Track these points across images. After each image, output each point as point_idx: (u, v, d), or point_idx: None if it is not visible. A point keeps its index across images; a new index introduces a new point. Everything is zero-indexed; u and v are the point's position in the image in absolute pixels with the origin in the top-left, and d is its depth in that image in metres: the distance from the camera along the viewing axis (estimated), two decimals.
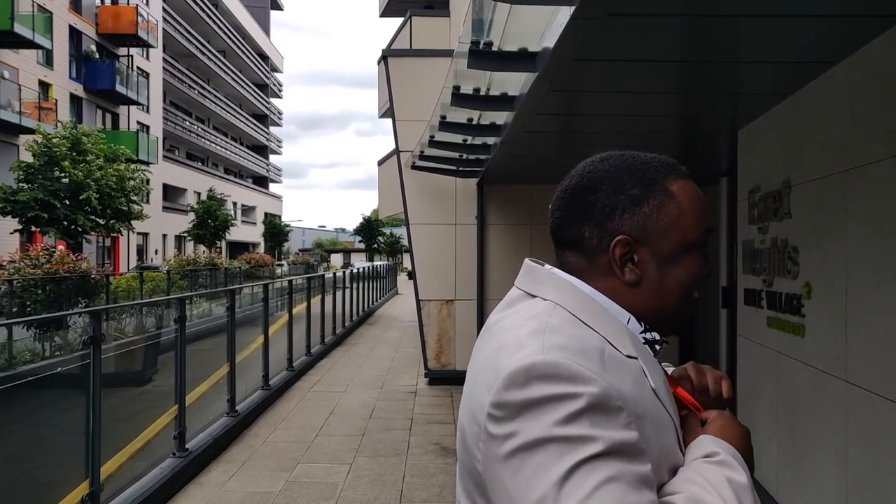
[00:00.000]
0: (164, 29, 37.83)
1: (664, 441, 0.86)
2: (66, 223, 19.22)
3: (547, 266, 0.99)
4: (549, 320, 0.88)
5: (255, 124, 56.88)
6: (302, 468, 5.62)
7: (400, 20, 14.32)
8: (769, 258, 4.53)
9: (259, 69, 56.92)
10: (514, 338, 0.88)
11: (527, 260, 1.02)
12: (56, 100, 26.92)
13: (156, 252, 36.64)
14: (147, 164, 30.88)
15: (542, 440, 0.77)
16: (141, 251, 35.44)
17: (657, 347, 0.97)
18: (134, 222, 22.71)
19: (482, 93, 4.65)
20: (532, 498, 0.76)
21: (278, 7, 64.43)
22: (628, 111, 4.75)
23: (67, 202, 19.13)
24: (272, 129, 63.60)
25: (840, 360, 3.53)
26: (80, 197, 18.86)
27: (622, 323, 0.93)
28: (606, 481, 0.75)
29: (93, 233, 21.04)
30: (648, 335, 0.96)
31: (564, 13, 2.84)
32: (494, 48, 3.67)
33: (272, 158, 64.18)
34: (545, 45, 3.43)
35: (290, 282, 10.24)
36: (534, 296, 0.95)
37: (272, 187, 63.80)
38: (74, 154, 19.08)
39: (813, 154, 3.88)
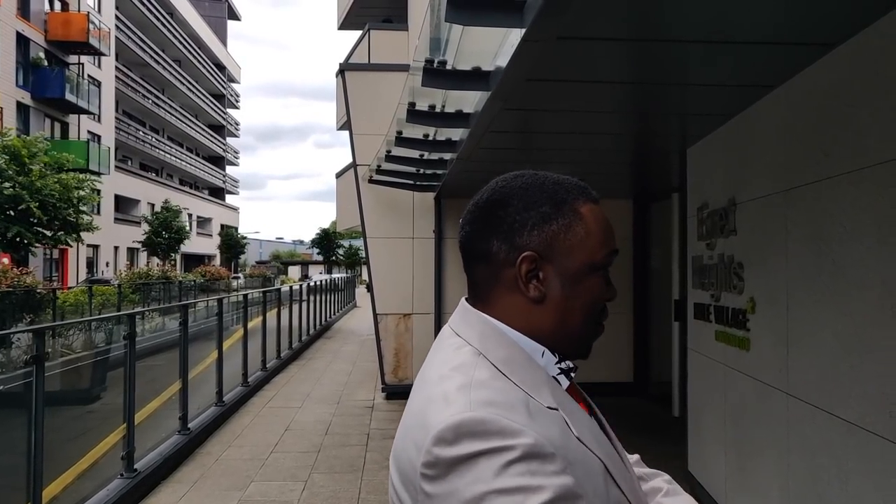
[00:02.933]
0: (116, 37, 37.04)
1: (595, 484, 0.87)
2: (9, 235, 18.58)
3: (475, 311, 0.99)
4: (475, 374, 0.89)
5: (211, 135, 56.02)
6: (256, 486, 5.52)
7: (358, 33, 14.33)
8: (716, 273, 4.66)
9: (215, 79, 56.15)
10: (442, 392, 0.88)
11: (462, 300, 1.03)
12: (1, 108, 26.08)
13: (107, 265, 35.68)
14: (98, 174, 30.09)
15: (486, 494, 0.77)
16: (91, 264, 34.44)
17: (572, 375, 0.98)
18: (83, 234, 22.09)
19: (437, 110, 4.69)
20: None
21: (235, 17, 63.76)
22: (581, 129, 4.85)
23: (12, 213, 18.50)
24: (229, 139, 62.71)
25: (782, 373, 3.65)
26: (19, 207, 18.22)
27: (544, 375, 0.94)
28: None
29: (38, 245, 20.36)
30: (563, 364, 0.97)
31: (516, 35, 2.90)
32: (449, 67, 3.71)
33: (229, 170, 63.23)
34: (498, 64, 3.49)
35: (245, 295, 10.08)
36: (461, 337, 0.96)
37: (229, 199, 62.84)
38: (14, 165, 18.44)
39: (756, 174, 4.02)
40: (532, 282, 0.94)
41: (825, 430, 3.18)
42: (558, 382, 0.96)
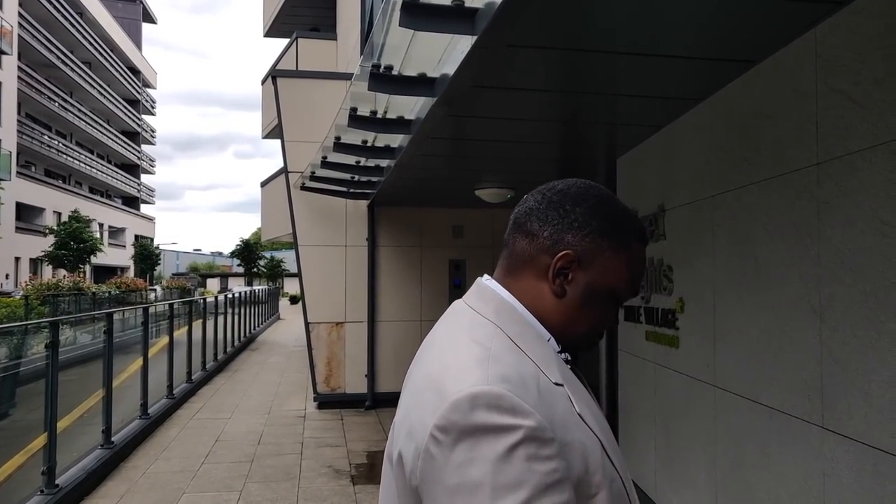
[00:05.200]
0: (20, 35, 35.09)
1: (593, 459, 0.95)
2: None
3: (492, 286, 1.07)
4: (493, 347, 0.96)
5: (124, 142, 53.72)
6: (188, 498, 5.37)
7: (285, 41, 14.20)
8: (647, 276, 4.91)
9: (129, 83, 53.98)
10: (459, 362, 0.94)
11: (479, 279, 1.10)
12: None
13: (6, 276, 33.54)
14: None
15: (477, 484, 0.84)
16: None
17: (568, 365, 1.07)
18: None
19: (379, 115, 4.75)
20: None
21: (151, 20, 61.61)
22: (516, 137, 5.00)
23: None
24: (144, 147, 60.31)
25: (709, 367, 3.89)
26: None
27: (551, 349, 1.02)
28: None
29: None
30: (562, 356, 1.06)
31: (466, 42, 3.01)
32: (395, 72, 3.79)
33: (144, 178, 60.77)
34: (444, 71, 3.59)
35: (170, 306, 9.76)
36: (476, 311, 1.03)
37: (144, 208, 60.35)
38: None
39: (684, 181, 4.28)
40: (560, 277, 1.03)
41: (749, 417, 3.43)
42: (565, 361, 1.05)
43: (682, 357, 4.30)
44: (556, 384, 0.97)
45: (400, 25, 2.89)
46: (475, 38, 2.85)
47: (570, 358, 1.09)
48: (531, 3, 2.54)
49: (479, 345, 0.96)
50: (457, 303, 1.10)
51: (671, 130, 4.40)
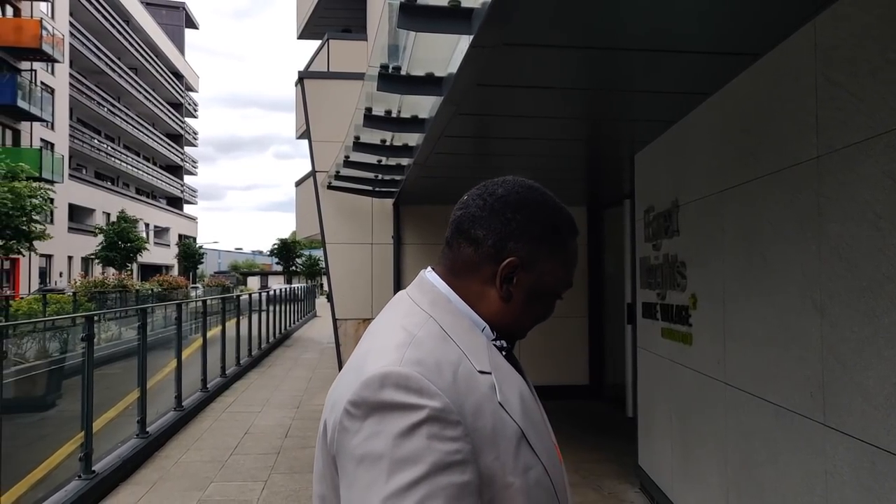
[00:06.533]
0: (71, 44, 36.34)
1: (503, 448, 0.99)
2: None
3: (432, 279, 1.13)
4: (418, 333, 1.02)
5: (168, 144, 55.17)
6: (215, 487, 5.54)
7: (318, 42, 14.41)
8: (662, 273, 4.88)
9: (173, 87, 55.40)
10: (382, 346, 1.02)
11: (423, 271, 1.17)
12: None
13: (60, 275, 34.80)
14: (51, 182, 29.43)
15: (378, 456, 0.90)
16: (44, 274, 33.57)
17: (503, 353, 1.13)
18: (36, 243, 21.57)
19: (394, 115, 4.83)
20: None
21: (193, 26, 63.04)
22: (534, 135, 5.03)
23: None
24: (187, 149, 61.81)
25: (720, 364, 3.87)
26: None
27: (484, 340, 1.08)
28: (424, 499, 0.88)
29: None
30: (497, 343, 1.12)
31: (465, 41, 3.07)
32: (403, 72, 3.86)
33: (187, 179, 62.32)
34: (450, 70, 3.65)
35: (204, 303, 10.03)
36: (415, 303, 1.10)
37: (187, 209, 61.87)
38: None
39: (695, 176, 4.25)
40: (506, 283, 1.09)
41: (758, 415, 3.40)
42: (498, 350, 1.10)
43: (695, 354, 4.28)
44: (482, 372, 1.02)
45: (398, 27, 2.96)
46: (472, 37, 2.90)
47: (505, 345, 1.14)
48: (521, 2, 2.58)
49: (406, 331, 1.03)
50: (400, 293, 1.17)
51: (684, 125, 4.38)
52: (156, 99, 51.35)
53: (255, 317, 13.89)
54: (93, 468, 5.33)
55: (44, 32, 30.38)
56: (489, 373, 1.03)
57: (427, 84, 3.85)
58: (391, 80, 3.89)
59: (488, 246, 1.08)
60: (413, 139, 5.50)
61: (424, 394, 0.93)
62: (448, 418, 0.93)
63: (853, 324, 2.58)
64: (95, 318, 6.42)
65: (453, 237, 1.13)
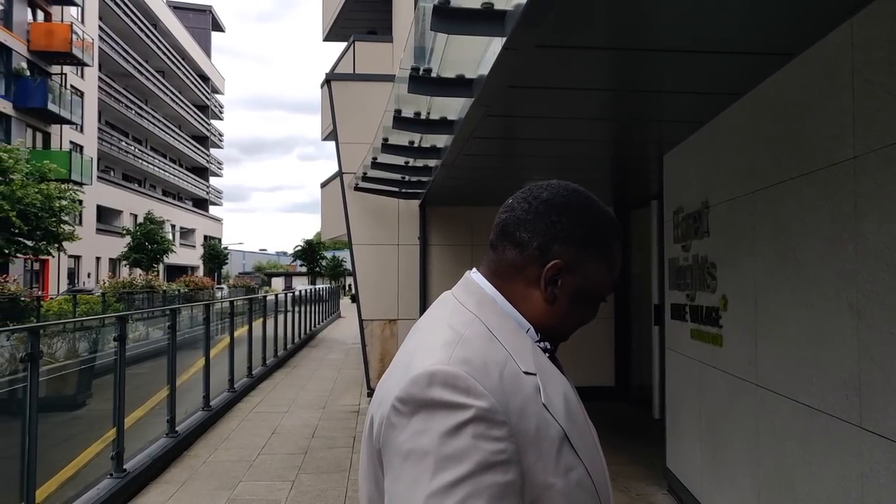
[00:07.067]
0: (100, 48, 36.99)
1: (545, 448, 1.00)
2: None
3: (477, 280, 1.15)
4: (465, 333, 1.04)
5: (194, 146, 55.87)
6: (244, 486, 5.61)
7: (343, 45, 14.52)
8: (691, 274, 4.85)
9: (199, 90, 56.09)
10: (430, 343, 1.04)
11: (468, 272, 1.19)
12: None
13: (88, 276, 35.40)
14: (80, 184, 29.96)
15: (424, 452, 0.92)
16: (72, 274, 34.16)
17: (547, 354, 1.14)
18: (65, 244, 21.97)
19: (423, 116, 4.86)
20: None
21: (220, 29, 63.81)
22: (563, 136, 5.03)
23: None
24: (213, 151, 62.55)
25: (752, 365, 3.83)
26: None
27: (529, 341, 1.10)
28: (467, 497, 0.90)
29: (18, 256, 20.21)
30: (542, 344, 1.13)
31: (497, 43, 3.08)
32: (433, 74, 3.89)
33: (213, 181, 63.04)
34: (481, 72, 3.67)
35: (231, 303, 10.15)
36: (461, 303, 1.12)
37: (212, 210, 62.58)
38: None
39: (726, 177, 4.22)
40: (550, 286, 1.11)
41: (791, 417, 3.37)
42: (543, 351, 1.12)
43: (725, 355, 4.25)
44: (527, 373, 1.04)
45: (431, 29, 2.98)
46: (504, 39, 2.92)
47: (549, 347, 1.15)
48: (555, 4, 2.59)
49: (453, 330, 1.05)
50: (445, 293, 1.19)
51: (715, 125, 4.35)
52: (182, 101, 52.05)
53: (280, 317, 14.01)
54: (124, 467, 5.43)
55: (74, 37, 30.96)
56: (534, 374, 1.04)
57: (457, 86, 3.87)
58: (421, 81, 3.91)
59: (533, 248, 1.10)
60: (441, 140, 5.53)
61: (471, 393, 0.95)
62: (494, 418, 0.94)
63: (892, 325, 2.55)
64: (127, 319, 6.51)
65: (498, 240, 1.14)
